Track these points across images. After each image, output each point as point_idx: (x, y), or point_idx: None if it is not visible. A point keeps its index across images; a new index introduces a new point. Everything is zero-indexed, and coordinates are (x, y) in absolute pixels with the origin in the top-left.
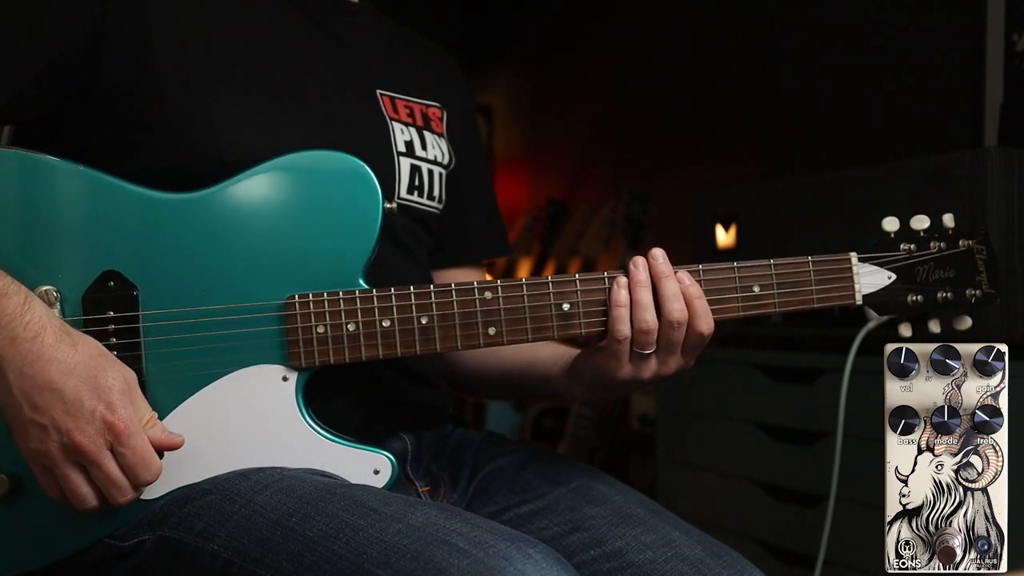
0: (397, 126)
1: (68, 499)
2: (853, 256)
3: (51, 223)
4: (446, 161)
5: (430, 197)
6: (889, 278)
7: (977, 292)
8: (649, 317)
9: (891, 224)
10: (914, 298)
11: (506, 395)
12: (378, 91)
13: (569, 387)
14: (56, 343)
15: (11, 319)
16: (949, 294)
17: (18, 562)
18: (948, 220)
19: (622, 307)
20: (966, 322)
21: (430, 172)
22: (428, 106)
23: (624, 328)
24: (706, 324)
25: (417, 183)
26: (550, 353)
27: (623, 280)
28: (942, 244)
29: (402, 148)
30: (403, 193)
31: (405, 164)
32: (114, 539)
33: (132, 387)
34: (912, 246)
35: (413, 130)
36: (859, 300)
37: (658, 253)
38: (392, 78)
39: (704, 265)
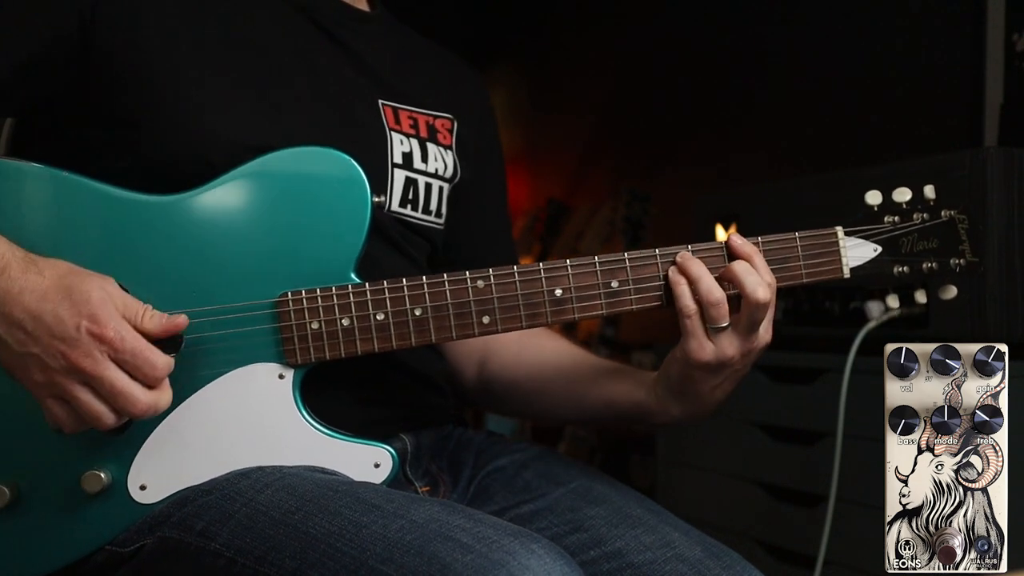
0: (396, 137)
1: (87, 423)
2: (839, 230)
3: (39, 230)
4: (449, 174)
5: (426, 211)
6: (875, 250)
7: (961, 261)
8: (715, 289)
9: (874, 197)
10: (900, 269)
11: (575, 419)
12: (380, 101)
13: (664, 404)
14: (23, 274)
15: None
16: (934, 264)
17: (19, 571)
18: (929, 191)
19: (680, 284)
20: (951, 291)
21: (428, 185)
22: (436, 117)
23: (689, 303)
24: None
25: (411, 196)
26: (626, 386)
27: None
28: (925, 215)
29: (398, 160)
30: (395, 206)
31: (399, 176)
32: (115, 545)
33: (111, 293)
34: (896, 218)
35: (414, 141)
36: (847, 273)
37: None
38: (398, 88)
39: (693, 245)
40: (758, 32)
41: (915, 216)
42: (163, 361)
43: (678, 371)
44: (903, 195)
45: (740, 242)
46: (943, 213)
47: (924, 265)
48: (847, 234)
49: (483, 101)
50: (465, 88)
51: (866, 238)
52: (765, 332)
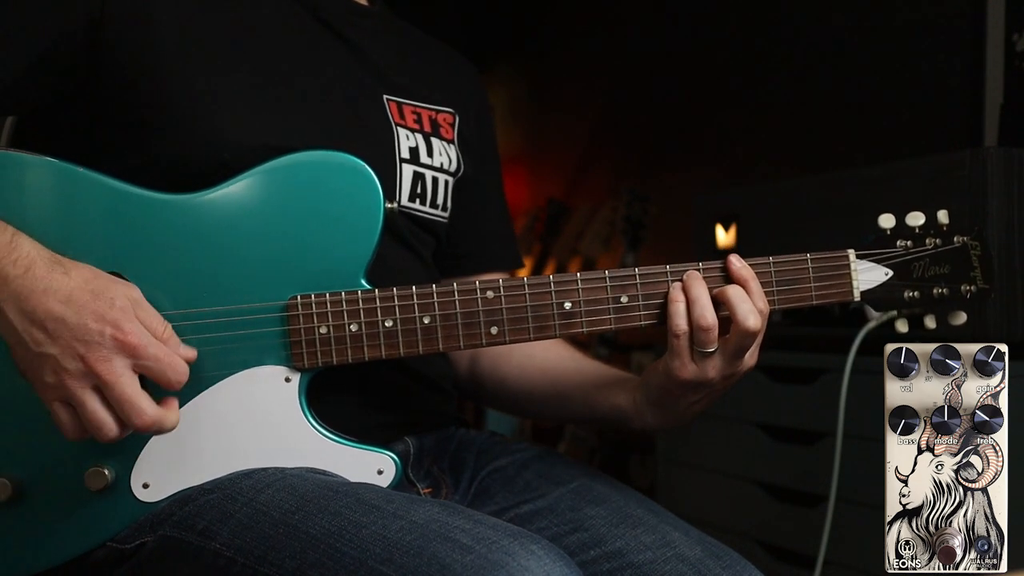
0: (402, 132)
1: (89, 431)
2: (851, 253)
3: (52, 226)
4: (453, 168)
5: (433, 205)
6: (886, 274)
7: (972, 288)
8: (708, 313)
9: (887, 221)
10: (911, 294)
11: (559, 420)
12: (385, 96)
13: (640, 412)
14: (48, 273)
15: (0, 256)
16: (945, 290)
17: (20, 566)
18: (943, 216)
19: (676, 303)
20: (961, 317)
21: (435, 180)
22: (438, 111)
23: (681, 322)
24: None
25: (419, 191)
26: (608, 391)
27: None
28: (937, 240)
29: (406, 155)
30: (404, 200)
31: (408, 171)
32: (116, 542)
33: (136, 302)
34: (908, 243)
35: (419, 136)
36: (857, 297)
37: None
38: (401, 83)
39: (704, 262)
40: (758, 32)
41: (928, 241)
42: (184, 369)
43: (658, 384)
44: (916, 219)
45: (738, 265)
46: (956, 239)
47: (935, 291)
48: (859, 257)
49: (481, 95)
50: (464, 82)
51: (878, 261)
52: (750, 357)
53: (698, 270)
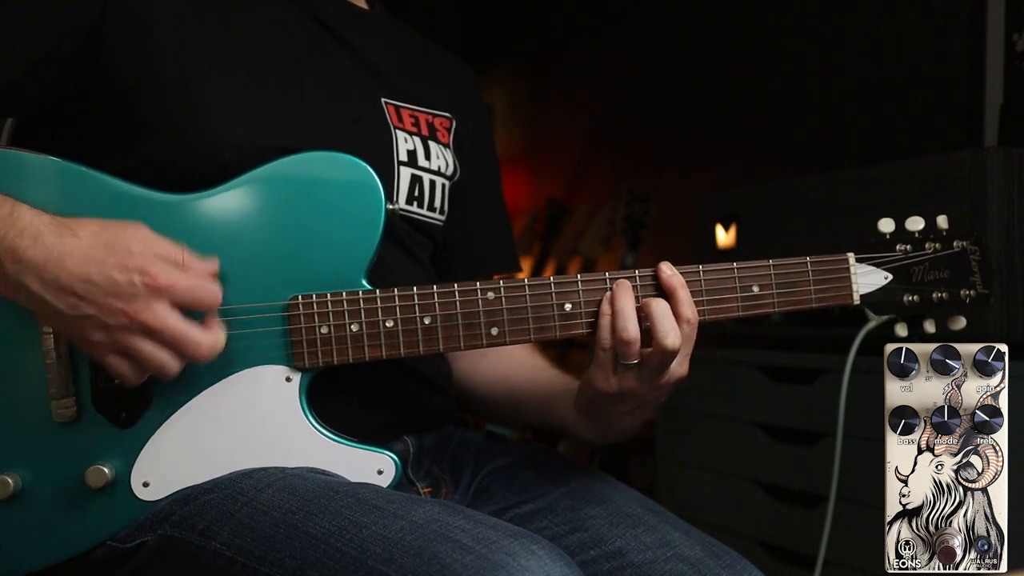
0: (400, 135)
1: (151, 372)
2: (851, 257)
3: None
4: (450, 172)
5: (431, 208)
6: (886, 278)
7: (971, 292)
8: (630, 326)
9: (887, 225)
10: (910, 298)
11: (518, 426)
12: (383, 99)
13: (579, 424)
14: (58, 239)
15: (4, 230)
16: (944, 294)
17: (20, 564)
18: (942, 221)
19: (605, 315)
20: (960, 322)
21: (432, 183)
22: (436, 115)
23: (606, 335)
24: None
25: (417, 193)
26: (556, 402)
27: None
28: (937, 245)
29: (404, 157)
30: (402, 203)
31: (405, 174)
32: (116, 541)
33: (148, 239)
34: (908, 247)
35: (417, 139)
36: (857, 300)
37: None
38: (399, 86)
39: (704, 265)
40: (758, 32)
41: (927, 245)
42: (215, 285)
43: (586, 396)
44: (916, 224)
45: (668, 274)
46: (955, 244)
47: (934, 295)
48: (859, 260)
49: (478, 99)
50: (461, 86)
51: (877, 265)
52: (678, 367)
53: (632, 278)
